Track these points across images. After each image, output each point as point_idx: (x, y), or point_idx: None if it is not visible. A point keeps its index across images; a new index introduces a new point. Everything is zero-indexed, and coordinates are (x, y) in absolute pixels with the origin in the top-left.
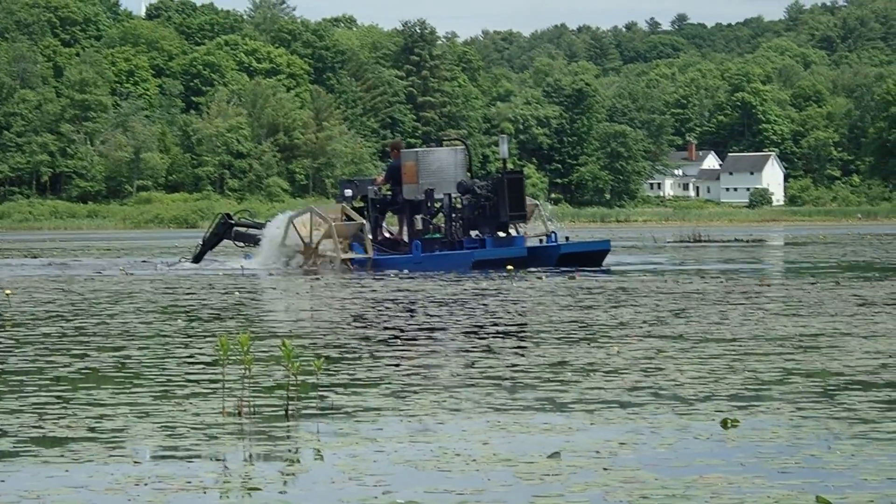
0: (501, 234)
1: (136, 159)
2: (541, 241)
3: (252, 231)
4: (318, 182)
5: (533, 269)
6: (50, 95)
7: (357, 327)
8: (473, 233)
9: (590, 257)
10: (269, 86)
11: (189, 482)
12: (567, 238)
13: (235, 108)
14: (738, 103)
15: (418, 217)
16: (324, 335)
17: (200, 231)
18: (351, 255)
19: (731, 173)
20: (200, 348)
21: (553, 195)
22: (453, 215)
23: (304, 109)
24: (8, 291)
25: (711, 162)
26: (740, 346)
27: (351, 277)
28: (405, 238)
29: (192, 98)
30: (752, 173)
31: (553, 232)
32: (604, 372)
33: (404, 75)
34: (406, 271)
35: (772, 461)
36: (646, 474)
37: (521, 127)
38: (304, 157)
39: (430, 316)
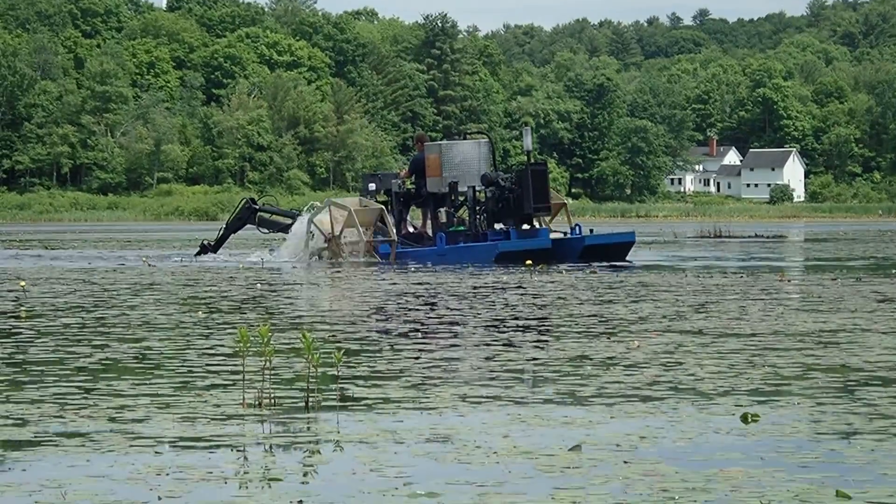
0: (525, 226)
1: (157, 151)
2: (565, 233)
3: (276, 218)
4: (339, 175)
5: (557, 263)
6: (71, 87)
7: (377, 320)
8: (497, 225)
9: (615, 250)
10: (290, 78)
11: (210, 472)
12: (591, 230)
13: (256, 100)
14: (760, 99)
15: (442, 210)
16: (344, 327)
17: (220, 223)
18: (378, 239)
19: (751, 169)
20: (221, 340)
21: (574, 190)
22: (477, 208)
23: (325, 102)
24: (23, 283)
25: (732, 158)
26: (760, 341)
27: (372, 270)
28: (429, 231)
29: (213, 90)
30: (772, 169)
31: (576, 224)
32: (624, 366)
33: (425, 69)
34: (430, 264)
35: (792, 455)
36: (666, 467)
37: (541, 121)
38: (325, 150)
39: (451, 309)
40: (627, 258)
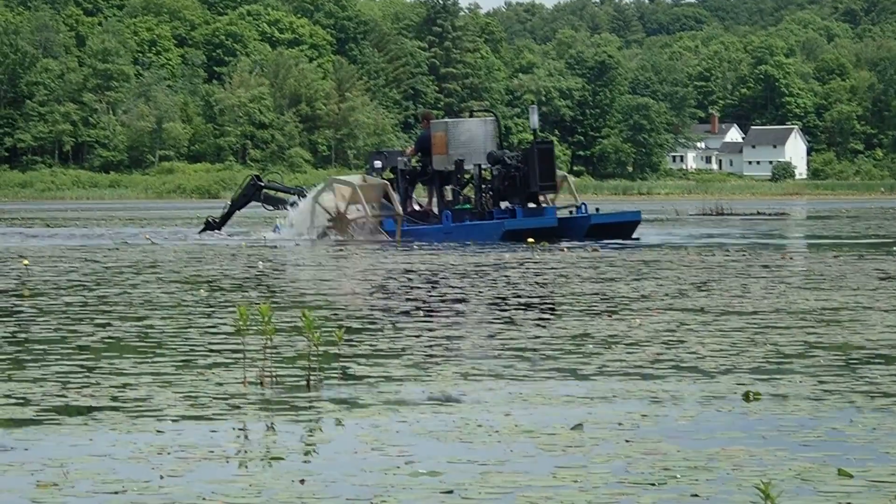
0: (532, 204)
1: (159, 129)
2: (570, 212)
3: (281, 195)
4: (341, 153)
5: (563, 240)
6: (72, 65)
7: (379, 298)
8: (503, 204)
9: (620, 228)
10: (292, 56)
11: (211, 451)
12: (597, 209)
13: (258, 78)
14: (761, 76)
15: (448, 188)
16: (346, 306)
17: (222, 202)
18: (381, 213)
19: (753, 146)
20: (222, 318)
21: (575, 168)
22: (483, 186)
23: (327, 80)
24: (26, 261)
25: (734, 135)
26: (762, 319)
27: (374, 248)
28: (435, 209)
29: (215, 68)
30: (774, 147)
31: (583, 203)
32: (625, 344)
33: (427, 46)
34: (436, 242)
35: (793, 434)
36: (668, 446)
37: (543, 99)
38: (327, 127)
39: (453, 287)
40: (634, 236)
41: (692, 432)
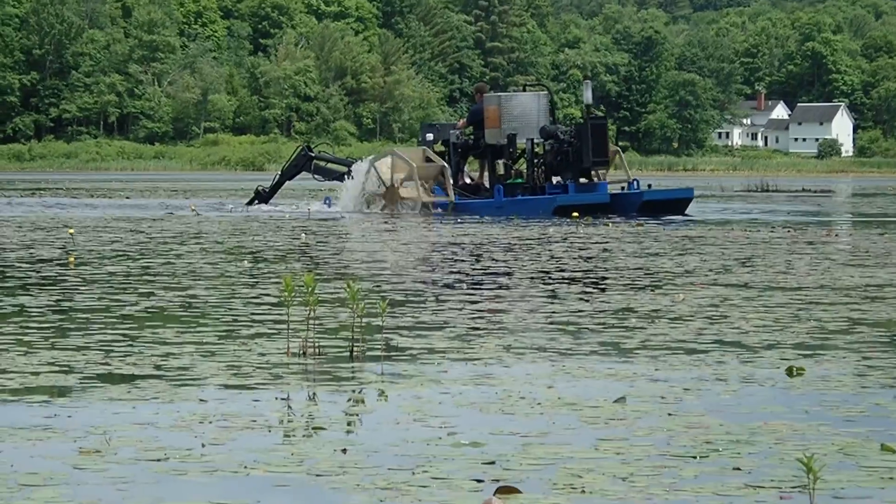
0: (584, 180)
1: (204, 101)
2: (622, 188)
3: (332, 166)
4: (385, 126)
5: (614, 217)
6: (118, 36)
7: (423, 271)
8: (555, 179)
9: (673, 205)
10: (338, 29)
11: (254, 421)
12: (649, 185)
13: (303, 51)
14: (808, 53)
15: (500, 162)
16: (389, 278)
17: (267, 174)
18: (433, 198)
19: (799, 123)
20: (266, 289)
21: (620, 143)
22: (535, 161)
23: (372, 53)
24: (71, 230)
25: (780, 112)
26: (806, 295)
27: (420, 221)
28: (486, 183)
29: (261, 40)
30: (821, 124)
31: (634, 179)
32: (669, 319)
33: (473, 20)
34: (487, 217)
35: (836, 409)
36: (710, 420)
37: (589, 74)
38: (372, 101)
39: (496, 261)
40: (686, 212)
41: (735, 406)
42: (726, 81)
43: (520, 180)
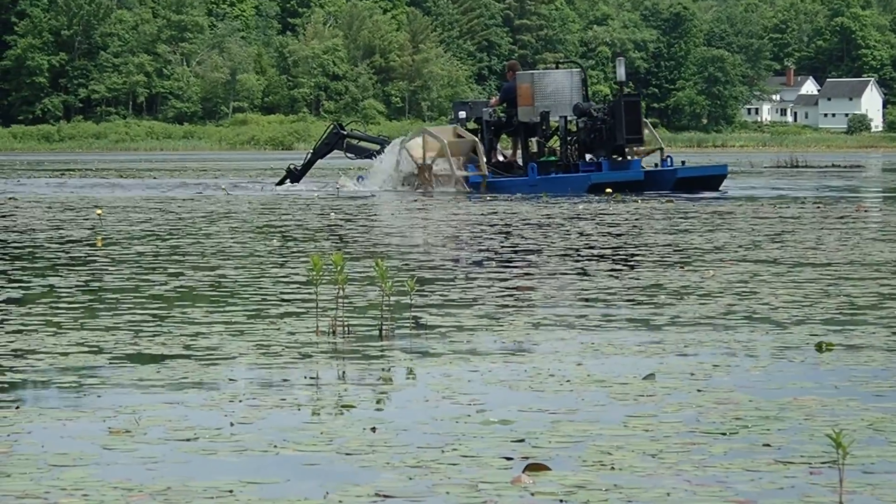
0: (617, 157)
1: (232, 81)
2: (656, 164)
3: (364, 144)
4: (414, 105)
5: (648, 193)
6: (146, 16)
7: (451, 248)
8: (588, 156)
9: (707, 182)
10: (366, 7)
11: (283, 399)
12: (683, 162)
13: (332, 29)
14: (838, 28)
15: (533, 140)
16: (418, 256)
17: (296, 153)
18: (466, 172)
19: (829, 99)
20: (295, 268)
21: (650, 120)
22: (569, 138)
23: (401, 32)
24: (99, 211)
25: (810, 87)
26: (836, 270)
27: (450, 199)
28: (519, 161)
29: (289, 19)
30: (850, 99)
31: (668, 156)
32: (698, 295)
33: None
34: (521, 195)
35: (866, 384)
36: (740, 396)
37: (617, 51)
38: (400, 79)
39: (525, 238)
40: (721, 188)
41: (764, 382)
42: (755, 57)
43: (553, 158)
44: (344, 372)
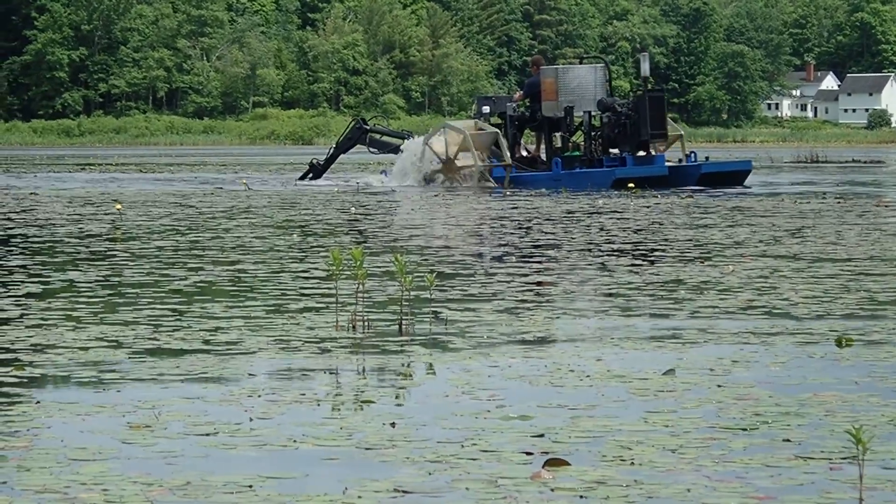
0: (641, 152)
1: (252, 75)
2: (680, 160)
3: (387, 138)
4: (434, 100)
5: (674, 189)
6: (166, 11)
7: (471, 243)
8: (613, 151)
9: (732, 177)
10: (386, 2)
11: (303, 394)
12: (707, 158)
13: (352, 24)
14: (858, 23)
15: (557, 135)
16: (438, 251)
17: (316, 148)
18: (489, 164)
19: (849, 94)
20: (315, 263)
21: (669, 115)
22: (593, 133)
23: (421, 26)
24: (119, 206)
25: (830, 82)
26: (856, 265)
27: (470, 194)
28: (543, 156)
29: (309, 14)
30: (870, 94)
31: (692, 151)
32: (718, 290)
33: None
34: (545, 189)
35: (886, 380)
36: (760, 391)
37: (637, 46)
38: (420, 74)
39: (545, 233)
40: (745, 184)
41: (784, 378)
42: (775, 53)
43: (577, 153)
44: (363, 367)
